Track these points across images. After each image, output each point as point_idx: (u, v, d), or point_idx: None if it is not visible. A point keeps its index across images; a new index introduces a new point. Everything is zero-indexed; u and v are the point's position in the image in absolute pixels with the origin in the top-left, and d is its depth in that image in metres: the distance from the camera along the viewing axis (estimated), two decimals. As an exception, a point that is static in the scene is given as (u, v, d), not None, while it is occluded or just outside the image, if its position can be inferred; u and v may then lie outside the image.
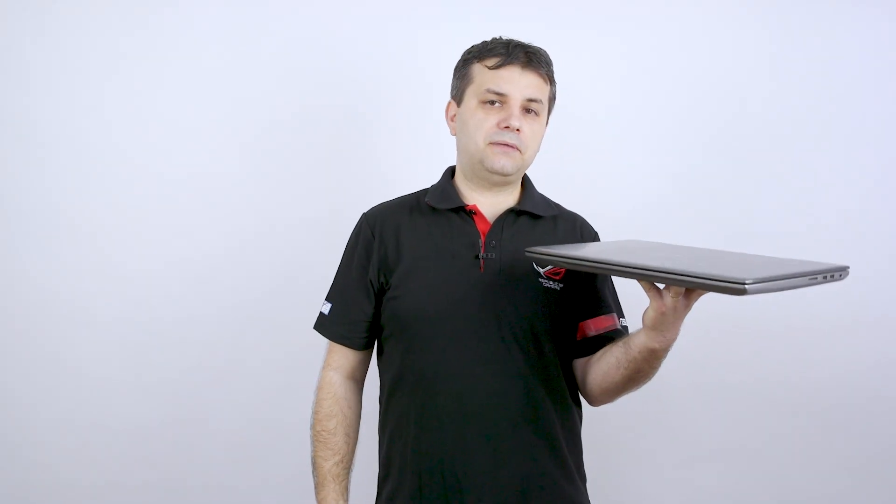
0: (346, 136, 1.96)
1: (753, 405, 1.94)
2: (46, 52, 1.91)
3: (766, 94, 1.95)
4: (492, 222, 1.28)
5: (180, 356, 1.93)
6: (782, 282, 0.87)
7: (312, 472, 1.32)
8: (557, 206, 1.36)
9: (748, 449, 1.94)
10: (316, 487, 1.31)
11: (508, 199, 1.31)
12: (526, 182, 1.34)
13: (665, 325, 1.03)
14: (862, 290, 1.90)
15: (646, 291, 1.02)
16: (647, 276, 0.96)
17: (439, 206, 1.29)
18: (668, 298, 1.00)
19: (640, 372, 1.14)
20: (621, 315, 1.32)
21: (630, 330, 1.23)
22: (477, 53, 1.28)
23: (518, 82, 1.23)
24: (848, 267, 0.94)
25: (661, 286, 1.01)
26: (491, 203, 1.29)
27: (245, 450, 1.95)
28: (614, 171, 1.96)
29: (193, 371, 1.93)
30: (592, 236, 1.35)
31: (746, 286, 0.83)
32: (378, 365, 1.35)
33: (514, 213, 1.29)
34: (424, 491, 1.22)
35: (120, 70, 1.92)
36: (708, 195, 1.95)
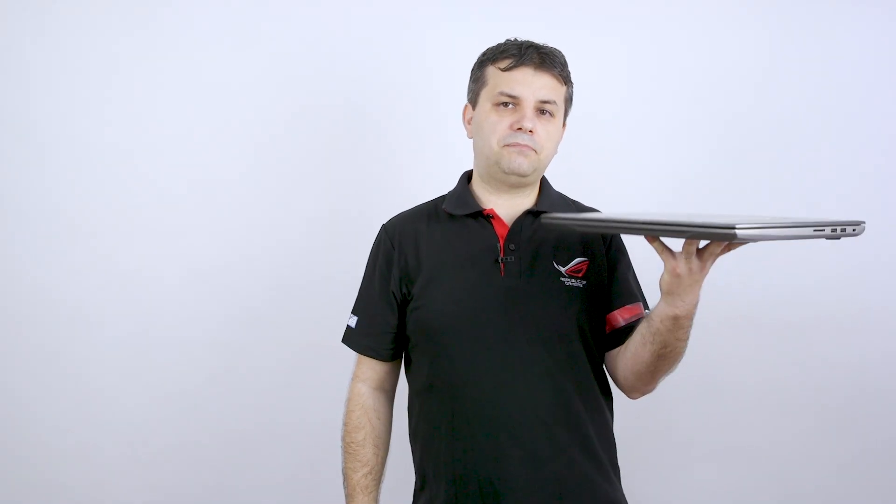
0: (346, 136, 1.96)
1: (754, 404, 1.94)
2: (46, 52, 1.91)
3: (765, 95, 1.95)
4: (510, 225, 1.27)
5: (180, 356, 1.93)
6: (778, 230, 0.86)
7: (343, 484, 1.32)
8: (576, 203, 1.36)
9: (748, 448, 1.94)
10: (346, 499, 1.31)
11: (525, 200, 1.30)
12: (543, 183, 1.34)
13: (682, 287, 1.02)
14: (864, 289, 1.91)
15: (658, 254, 1.02)
16: (638, 230, 0.98)
17: (456, 212, 1.29)
18: (682, 259, 1.00)
19: (666, 346, 1.11)
20: (646, 305, 1.30)
21: None
22: (491, 56, 1.28)
23: (531, 84, 1.23)
24: (863, 222, 0.90)
25: (677, 251, 1.01)
26: (508, 206, 1.29)
27: (245, 450, 1.94)
28: (613, 170, 1.96)
29: (193, 371, 1.93)
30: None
31: (736, 230, 0.83)
32: (406, 375, 1.35)
33: (531, 214, 1.28)
34: (460, 498, 1.22)
35: (120, 70, 1.92)
36: (708, 196, 1.95)
